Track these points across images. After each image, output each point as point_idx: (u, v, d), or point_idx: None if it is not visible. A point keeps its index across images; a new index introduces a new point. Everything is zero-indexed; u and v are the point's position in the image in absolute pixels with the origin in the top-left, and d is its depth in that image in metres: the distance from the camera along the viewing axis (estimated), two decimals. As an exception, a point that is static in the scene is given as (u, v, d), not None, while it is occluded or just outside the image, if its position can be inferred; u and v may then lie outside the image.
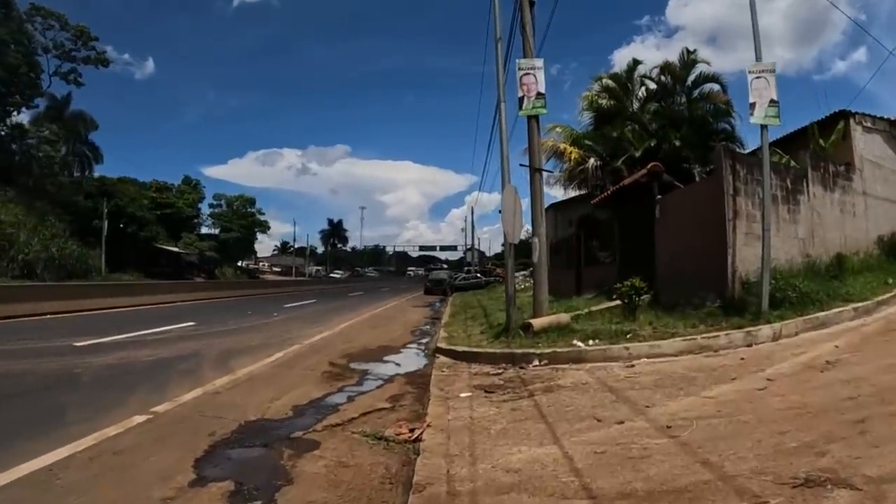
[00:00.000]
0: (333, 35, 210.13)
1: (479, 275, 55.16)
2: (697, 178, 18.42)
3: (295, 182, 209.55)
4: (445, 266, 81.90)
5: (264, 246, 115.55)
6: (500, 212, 11.07)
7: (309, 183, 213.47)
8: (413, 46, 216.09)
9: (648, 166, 15.26)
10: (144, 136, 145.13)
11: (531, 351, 8.80)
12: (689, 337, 8.78)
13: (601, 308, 13.73)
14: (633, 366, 7.90)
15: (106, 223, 40.90)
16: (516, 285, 40.44)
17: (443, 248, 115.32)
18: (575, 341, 9.07)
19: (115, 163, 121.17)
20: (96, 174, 54.54)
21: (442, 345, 10.70)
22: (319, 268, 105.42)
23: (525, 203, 12.14)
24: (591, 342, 9.00)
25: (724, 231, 11.33)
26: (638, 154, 19.16)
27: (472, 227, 72.77)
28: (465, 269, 65.99)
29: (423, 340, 13.71)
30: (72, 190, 47.38)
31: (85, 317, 17.68)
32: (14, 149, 43.50)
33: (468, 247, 79.67)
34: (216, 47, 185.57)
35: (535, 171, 11.70)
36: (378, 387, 8.03)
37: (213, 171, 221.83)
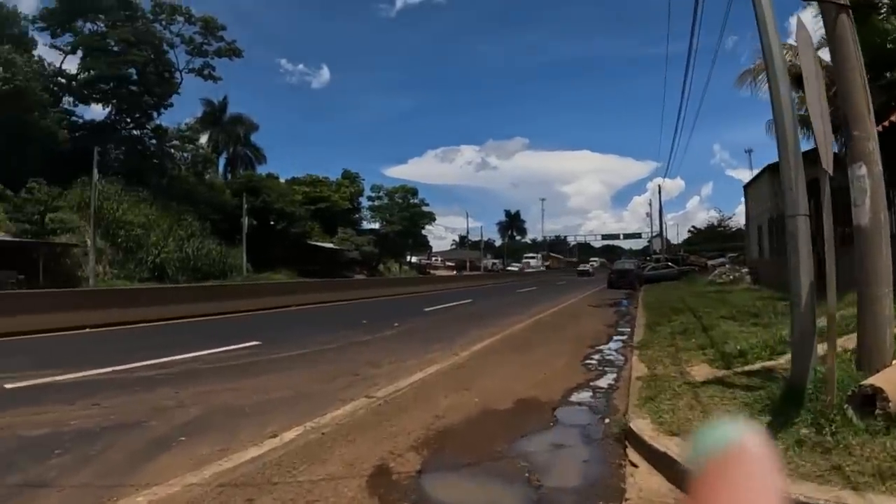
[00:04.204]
0: (500, 28, 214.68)
1: (670, 264, 47.10)
2: None
3: (475, 177, 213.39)
4: (651, 258, 74.05)
5: (445, 242, 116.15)
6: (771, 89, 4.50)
7: (489, 178, 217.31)
8: (582, 33, 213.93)
9: None
10: (325, 141, 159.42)
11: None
12: None
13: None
14: None
15: (246, 220, 39.32)
16: (716, 278, 32.56)
17: (626, 237, 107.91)
18: None
19: (291, 169, 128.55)
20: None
21: (644, 425, 4.81)
22: (496, 261, 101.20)
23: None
24: None
25: None
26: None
27: (661, 209, 64.26)
28: (654, 257, 58.26)
29: (603, 384, 7.83)
30: (220, 189, 47.29)
31: (145, 329, 14.06)
32: (153, 150, 43.86)
33: (654, 234, 72.65)
34: (386, 51, 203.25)
35: (839, 8, 5.60)
36: None
37: (395, 171, 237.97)
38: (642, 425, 4.87)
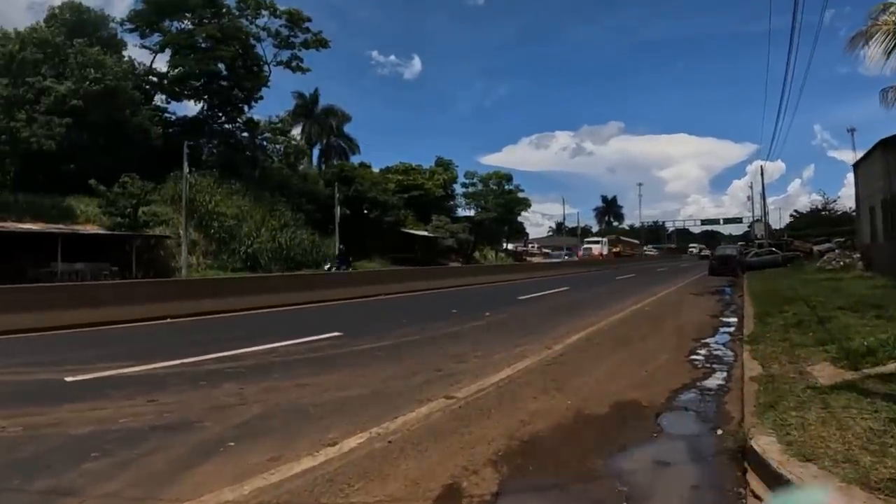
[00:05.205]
0: (591, 9, 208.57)
1: (774, 249, 44.28)
2: None
3: (570, 163, 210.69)
4: (754, 243, 70.54)
5: (542, 229, 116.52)
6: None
7: (584, 163, 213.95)
8: (676, 11, 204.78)
9: None
10: (418, 132, 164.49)
11: None
12: None
13: None
14: None
15: (338, 209, 40.10)
16: (826, 265, 31.14)
17: (726, 221, 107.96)
18: None
19: (385, 159, 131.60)
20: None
21: (768, 445, 4.00)
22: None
23: None
24: None
25: None
26: None
27: (763, 192, 61.23)
28: (757, 242, 55.56)
29: (712, 384, 6.93)
30: (313, 180, 48.84)
31: (233, 318, 14.07)
32: (245, 143, 45.53)
33: (755, 218, 71.11)
34: (475, 39, 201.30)
35: None
36: None
37: (490, 160, 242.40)
38: (767, 445, 3.95)
